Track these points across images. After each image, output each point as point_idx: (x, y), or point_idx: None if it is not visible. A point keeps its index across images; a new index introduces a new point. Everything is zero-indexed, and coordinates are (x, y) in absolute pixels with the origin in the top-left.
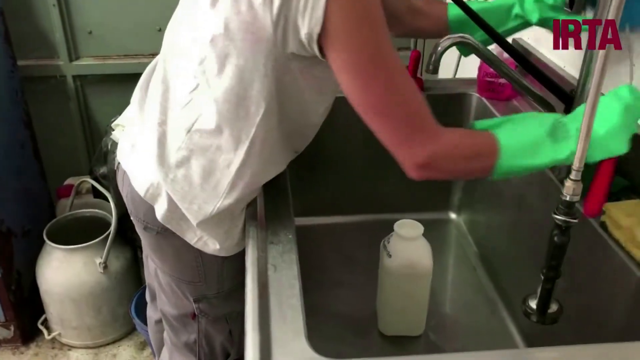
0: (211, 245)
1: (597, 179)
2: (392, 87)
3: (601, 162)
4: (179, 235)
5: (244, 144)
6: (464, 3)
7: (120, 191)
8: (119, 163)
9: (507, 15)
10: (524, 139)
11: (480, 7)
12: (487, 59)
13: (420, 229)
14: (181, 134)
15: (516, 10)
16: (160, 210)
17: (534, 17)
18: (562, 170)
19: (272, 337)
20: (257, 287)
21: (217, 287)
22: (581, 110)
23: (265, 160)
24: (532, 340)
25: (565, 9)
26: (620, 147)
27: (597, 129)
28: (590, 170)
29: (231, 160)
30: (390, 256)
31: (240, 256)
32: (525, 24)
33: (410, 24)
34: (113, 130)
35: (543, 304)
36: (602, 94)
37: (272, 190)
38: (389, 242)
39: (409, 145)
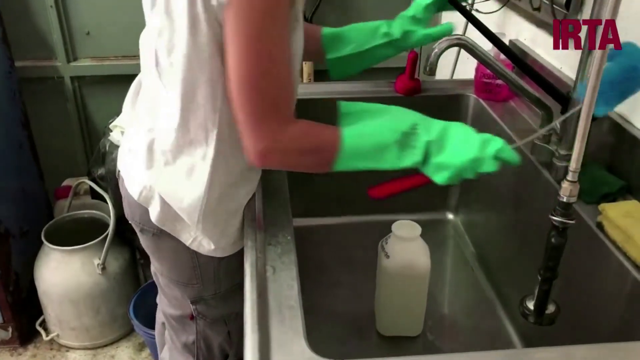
0: (206, 246)
1: (403, 179)
2: (268, 68)
3: (420, 174)
4: (175, 237)
5: (212, 132)
6: (461, 6)
7: (122, 194)
8: (119, 169)
9: (373, 34)
10: (370, 144)
11: (351, 26)
12: (483, 60)
13: (417, 229)
14: (164, 137)
15: (383, 29)
16: (154, 212)
17: (397, 31)
18: (559, 171)
19: (271, 338)
20: (256, 289)
21: (214, 288)
22: (439, 125)
23: (237, 142)
24: (530, 341)
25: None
26: (441, 179)
27: (444, 155)
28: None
29: (205, 151)
30: (388, 257)
31: (237, 257)
32: (393, 43)
33: None
34: (111, 131)
35: (540, 305)
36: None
37: (271, 191)
38: (387, 243)
39: (259, 130)
